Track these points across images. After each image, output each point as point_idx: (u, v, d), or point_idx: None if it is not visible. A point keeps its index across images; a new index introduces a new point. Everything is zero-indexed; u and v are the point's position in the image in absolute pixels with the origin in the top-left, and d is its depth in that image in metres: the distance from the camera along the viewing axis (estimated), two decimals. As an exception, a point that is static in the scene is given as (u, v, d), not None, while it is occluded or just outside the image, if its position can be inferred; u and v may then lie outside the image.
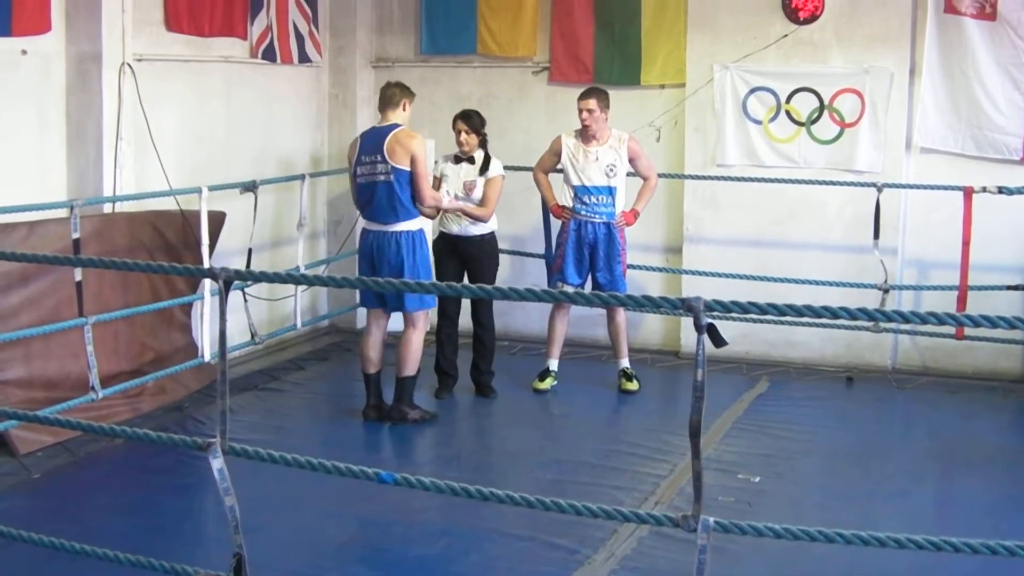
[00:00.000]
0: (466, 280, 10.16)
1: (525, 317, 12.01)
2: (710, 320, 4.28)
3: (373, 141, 9.35)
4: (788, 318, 4.42)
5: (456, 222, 10.07)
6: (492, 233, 10.28)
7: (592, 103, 10.19)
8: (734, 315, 4.47)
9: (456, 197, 10.07)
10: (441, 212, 10.02)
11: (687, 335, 11.81)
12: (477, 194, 10.12)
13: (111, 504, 7.68)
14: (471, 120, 10.14)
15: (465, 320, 10.46)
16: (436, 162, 10.36)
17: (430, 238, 10.02)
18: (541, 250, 11.12)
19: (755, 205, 11.63)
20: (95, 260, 7.22)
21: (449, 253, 10.17)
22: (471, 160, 10.13)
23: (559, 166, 10.43)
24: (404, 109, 9.47)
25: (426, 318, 9.66)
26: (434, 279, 9.56)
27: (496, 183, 10.16)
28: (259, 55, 11.35)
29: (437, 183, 10.14)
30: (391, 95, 9.45)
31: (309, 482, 7.06)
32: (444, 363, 10.39)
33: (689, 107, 11.77)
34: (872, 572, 6.57)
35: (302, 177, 11.26)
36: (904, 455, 9.11)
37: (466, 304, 10.47)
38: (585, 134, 10.26)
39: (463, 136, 10.08)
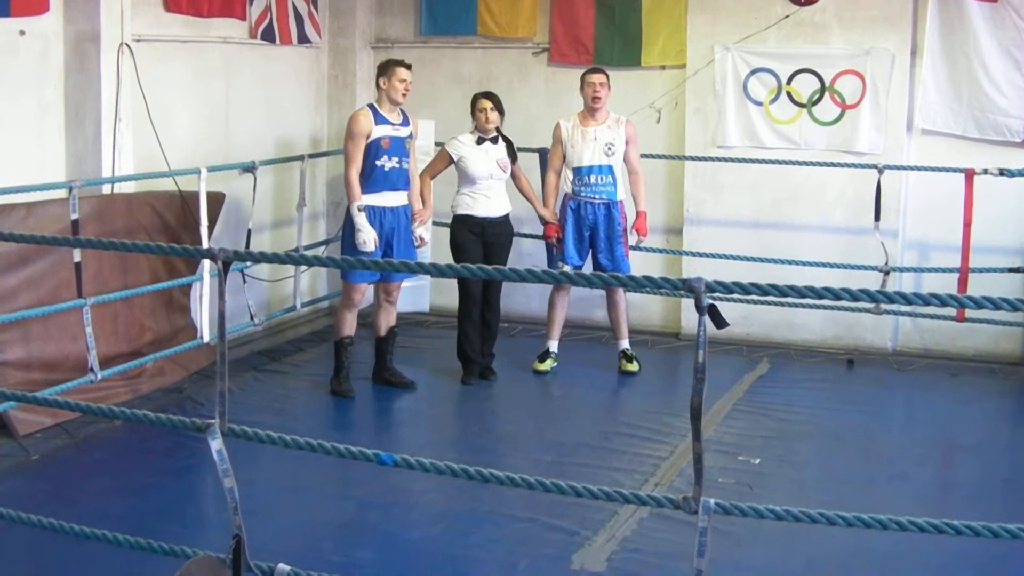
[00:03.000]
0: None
1: (525, 298, 11.99)
2: (711, 301, 4.25)
3: None
4: (789, 299, 4.41)
5: (484, 204, 10.09)
6: (509, 214, 10.29)
7: (605, 79, 10.27)
8: (735, 296, 4.45)
9: (491, 176, 10.05)
10: (466, 193, 10.08)
11: (687, 316, 11.81)
12: (507, 172, 10.17)
13: (110, 486, 7.68)
14: (496, 98, 10.11)
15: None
16: (446, 145, 10.23)
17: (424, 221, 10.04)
18: (539, 231, 11.07)
19: (756, 187, 11.62)
20: (94, 241, 7.18)
21: (473, 235, 10.11)
22: (494, 140, 10.11)
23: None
24: (376, 87, 9.69)
25: (351, 291, 9.77)
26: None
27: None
28: (258, 36, 11.30)
29: (442, 165, 10.16)
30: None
31: (309, 463, 7.11)
32: (470, 349, 10.28)
33: (690, 88, 11.74)
34: (873, 554, 6.57)
35: (301, 158, 11.27)
36: (905, 437, 9.11)
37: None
38: (591, 113, 10.26)
39: (489, 114, 10.01)
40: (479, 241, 10.11)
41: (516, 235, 10.71)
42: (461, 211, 10.12)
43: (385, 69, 9.58)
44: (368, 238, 9.31)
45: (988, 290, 9.99)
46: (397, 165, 9.52)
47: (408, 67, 9.60)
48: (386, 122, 9.49)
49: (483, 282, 10.26)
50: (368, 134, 9.40)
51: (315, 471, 7.65)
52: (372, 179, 9.44)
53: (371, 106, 9.61)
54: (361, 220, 9.34)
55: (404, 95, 9.53)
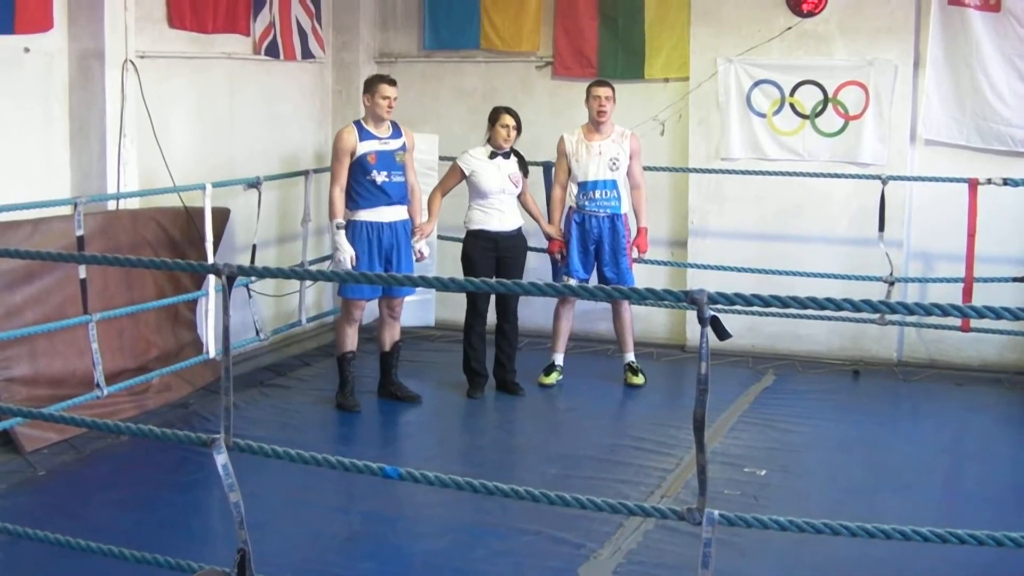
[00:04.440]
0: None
1: (530, 312, 11.95)
2: (714, 313, 4.27)
3: None
4: (792, 310, 4.41)
5: (498, 218, 10.08)
6: (521, 227, 10.29)
7: (610, 92, 10.26)
8: (738, 308, 4.45)
9: (503, 191, 10.04)
10: (478, 208, 10.08)
11: (692, 328, 11.81)
12: (520, 187, 10.16)
13: (116, 501, 7.68)
14: (518, 116, 10.08)
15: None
16: (458, 160, 10.20)
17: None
18: (543, 244, 11.07)
19: (760, 198, 11.63)
20: (99, 257, 7.20)
21: (487, 250, 10.09)
22: (506, 155, 10.09)
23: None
24: (364, 103, 9.75)
25: (349, 307, 9.82)
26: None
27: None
28: (262, 51, 11.33)
29: (454, 181, 10.16)
30: None
31: (314, 477, 7.12)
32: (476, 363, 10.26)
33: (693, 101, 11.76)
34: (879, 564, 6.56)
35: (306, 173, 11.29)
36: (910, 448, 9.09)
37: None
38: (596, 126, 10.27)
39: (511, 132, 9.99)
40: (493, 256, 10.10)
41: (521, 248, 10.74)
42: (474, 226, 10.11)
43: (369, 86, 9.60)
44: (344, 256, 9.38)
45: (993, 300, 9.97)
46: (388, 179, 9.50)
47: (392, 83, 9.60)
48: (372, 137, 9.50)
49: (499, 297, 10.27)
50: (352, 151, 9.43)
51: (320, 485, 7.66)
52: (367, 195, 9.48)
53: (357, 123, 9.63)
54: (340, 237, 9.42)
55: (388, 111, 9.53)
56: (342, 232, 9.40)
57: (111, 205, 9.43)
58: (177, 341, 9.95)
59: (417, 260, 9.79)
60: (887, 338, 11.37)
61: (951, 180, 10.58)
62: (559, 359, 10.68)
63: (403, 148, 9.63)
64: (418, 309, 11.28)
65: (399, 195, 9.59)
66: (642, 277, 10.91)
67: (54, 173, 9.26)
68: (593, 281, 10.41)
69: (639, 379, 10.57)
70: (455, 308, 11.13)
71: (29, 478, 8.02)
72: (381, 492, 7.55)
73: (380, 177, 9.45)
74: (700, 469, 4.45)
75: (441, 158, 11.24)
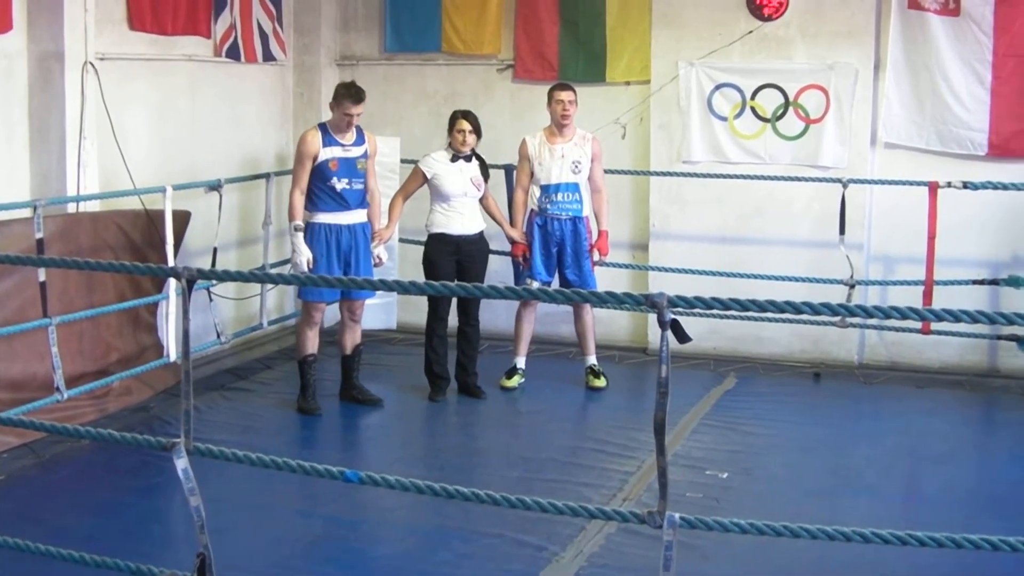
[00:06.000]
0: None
1: (492, 315, 11.94)
2: (674, 316, 4.28)
3: None
4: (753, 313, 4.43)
5: (459, 221, 10.07)
6: (483, 231, 10.29)
7: (573, 95, 10.26)
8: (699, 311, 4.47)
9: (465, 194, 10.04)
10: (440, 211, 10.06)
11: (654, 331, 11.82)
12: (481, 190, 10.17)
13: (77, 505, 7.63)
14: (475, 120, 10.08)
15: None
16: (419, 163, 10.17)
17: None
18: (505, 247, 11.06)
19: (721, 201, 11.65)
20: (59, 260, 7.18)
21: (448, 254, 10.07)
22: (467, 158, 10.09)
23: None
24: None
25: (309, 309, 9.81)
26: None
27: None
28: (223, 54, 11.29)
29: (416, 185, 10.15)
30: None
31: (276, 482, 7.07)
32: (437, 367, 10.24)
33: (654, 104, 11.77)
34: (839, 567, 6.59)
35: (267, 176, 11.26)
36: (871, 450, 9.12)
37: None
38: (559, 129, 10.27)
39: (467, 136, 9.98)
40: (454, 259, 10.08)
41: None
42: (436, 229, 10.09)
43: (336, 97, 9.53)
44: (301, 259, 9.37)
45: (953, 302, 10.02)
46: (348, 186, 9.49)
47: (357, 101, 9.44)
48: (335, 143, 9.47)
49: (461, 300, 10.25)
50: (315, 155, 9.41)
51: (282, 489, 7.62)
52: (326, 199, 9.47)
53: (322, 126, 9.60)
54: (298, 240, 9.42)
55: (348, 128, 9.49)
56: (300, 234, 9.39)
57: (71, 208, 9.36)
58: (138, 344, 9.90)
59: (376, 265, 9.78)
60: (848, 341, 11.41)
61: (911, 183, 10.62)
62: (521, 362, 10.67)
63: (365, 156, 9.60)
64: (380, 312, 11.25)
65: (358, 201, 9.57)
66: (604, 280, 10.92)
67: (13, 175, 9.20)
68: (556, 284, 10.40)
69: (601, 382, 10.58)
70: (416, 311, 11.10)
71: (-12, 483, 7.98)
72: (343, 496, 7.52)
73: (340, 184, 9.43)
74: (660, 472, 4.47)
75: (403, 161, 11.22)
